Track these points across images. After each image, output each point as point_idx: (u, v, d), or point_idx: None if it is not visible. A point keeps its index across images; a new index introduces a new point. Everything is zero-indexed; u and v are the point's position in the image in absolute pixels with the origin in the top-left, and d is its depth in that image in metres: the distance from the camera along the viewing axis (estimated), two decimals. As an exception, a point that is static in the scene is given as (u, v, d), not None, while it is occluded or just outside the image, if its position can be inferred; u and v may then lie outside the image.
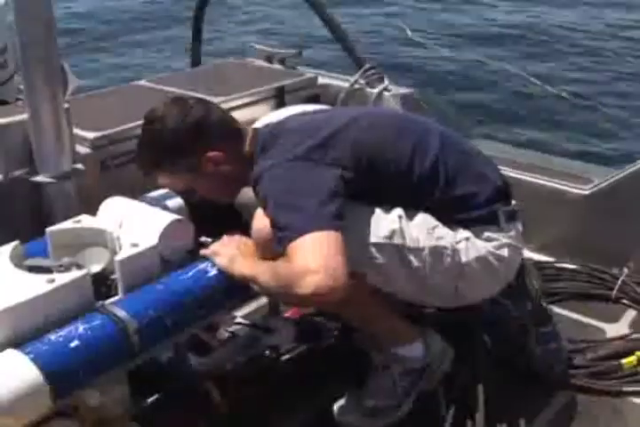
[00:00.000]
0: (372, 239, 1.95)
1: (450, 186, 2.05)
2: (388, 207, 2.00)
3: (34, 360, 1.56)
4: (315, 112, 2.31)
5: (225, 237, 2.05)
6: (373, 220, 1.97)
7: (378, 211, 1.99)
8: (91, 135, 2.72)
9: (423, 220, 2.01)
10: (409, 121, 2.22)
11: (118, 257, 1.80)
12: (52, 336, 1.62)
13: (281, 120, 2.20)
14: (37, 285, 1.68)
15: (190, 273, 1.89)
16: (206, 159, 2.11)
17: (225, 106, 2.95)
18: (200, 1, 3.94)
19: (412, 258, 1.98)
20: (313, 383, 2.29)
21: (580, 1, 13.06)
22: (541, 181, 3.09)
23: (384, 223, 1.97)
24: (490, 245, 2.05)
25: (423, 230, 1.99)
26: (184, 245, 1.98)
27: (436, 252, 1.99)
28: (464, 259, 2.02)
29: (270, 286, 1.81)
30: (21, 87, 2.66)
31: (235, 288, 1.94)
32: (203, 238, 2.09)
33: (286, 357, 2.29)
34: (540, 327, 2.36)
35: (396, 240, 1.96)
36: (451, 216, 2.05)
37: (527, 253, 3.08)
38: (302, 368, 2.32)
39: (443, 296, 2.09)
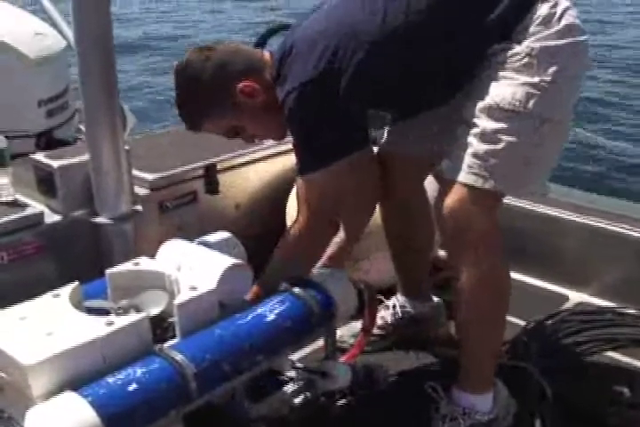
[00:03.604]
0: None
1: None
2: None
3: (91, 403, 1.55)
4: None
5: None
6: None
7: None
8: (149, 177, 2.75)
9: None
10: None
11: (177, 300, 1.80)
12: (110, 379, 1.62)
13: (289, 33, 2.18)
14: (96, 327, 1.68)
15: (249, 317, 1.89)
16: (239, 92, 2.10)
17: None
18: (267, 31, 3.95)
19: None
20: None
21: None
22: (600, 224, 3.04)
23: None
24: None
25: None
26: (243, 290, 1.99)
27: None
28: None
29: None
30: (82, 127, 2.69)
31: (293, 333, 1.94)
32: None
33: (343, 402, 2.27)
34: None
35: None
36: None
37: (587, 298, 3.05)
38: (359, 414, 2.29)
39: None
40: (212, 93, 2.10)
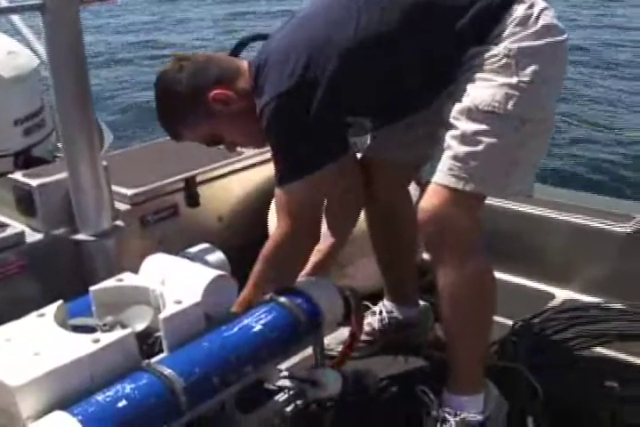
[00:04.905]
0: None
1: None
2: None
3: (82, 422, 1.53)
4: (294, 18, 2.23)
5: None
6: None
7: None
8: (129, 192, 2.75)
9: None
10: None
11: (162, 315, 1.78)
12: (100, 397, 1.60)
13: (265, 43, 2.20)
14: (82, 345, 1.66)
15: (235, 329, 1.88)
16: (212, 100, 2.11)
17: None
18: (242, 40, 3.93)
19: None
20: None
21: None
22: (582, 221, 3.05)
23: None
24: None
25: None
26: (228, 301, 1.98)
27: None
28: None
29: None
30: (59, 145, 2.67)
31: (280, 342, 1.94)
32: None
33: (334, 409, 2.27)
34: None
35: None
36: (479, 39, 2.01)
37: (572, 295, 3.06)
38: (351, 420, 2.29)
39: None
40: (186, 102, 2.12)
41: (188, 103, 2.12)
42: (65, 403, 1.59)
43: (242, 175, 3.17)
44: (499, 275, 2.87)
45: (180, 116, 2.16)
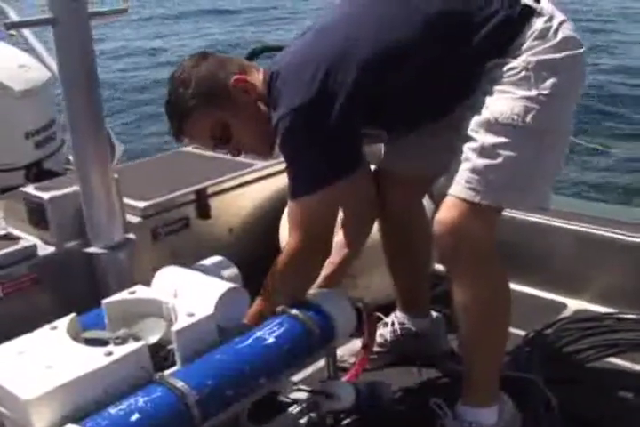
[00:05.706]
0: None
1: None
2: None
3: (95, 436, 1.54)
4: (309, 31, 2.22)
5: None
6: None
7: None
8: (141, 204, 2.75)
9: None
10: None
11: (175, 327, 1.78)
12: (113, 410, 1.60)
13: (280, 54, 2.20)
14: (95, 358, 1.67)
15: (248, 341, 1.88)
16: (233, 85, 2.09)
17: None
18: (254, 50, 3.94)
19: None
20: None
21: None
22: (593, 230, 3.04)
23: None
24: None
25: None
26: (240, 313, 1.98)
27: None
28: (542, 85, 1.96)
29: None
30: (70, 158, 2.68)
31: (293, 355, 1.93)
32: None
33: (348, 421, 2.26)
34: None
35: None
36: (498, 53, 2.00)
37: (585, 305, 3.04)
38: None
39: None
40: (205, 82, 2.09)
41: (207, 84, 2.09)
42: (78, 416, 1.59)
43: (253, 187, 3.17)
44: (510, 285, 2.88)
45: (196, 95, 2.09)
